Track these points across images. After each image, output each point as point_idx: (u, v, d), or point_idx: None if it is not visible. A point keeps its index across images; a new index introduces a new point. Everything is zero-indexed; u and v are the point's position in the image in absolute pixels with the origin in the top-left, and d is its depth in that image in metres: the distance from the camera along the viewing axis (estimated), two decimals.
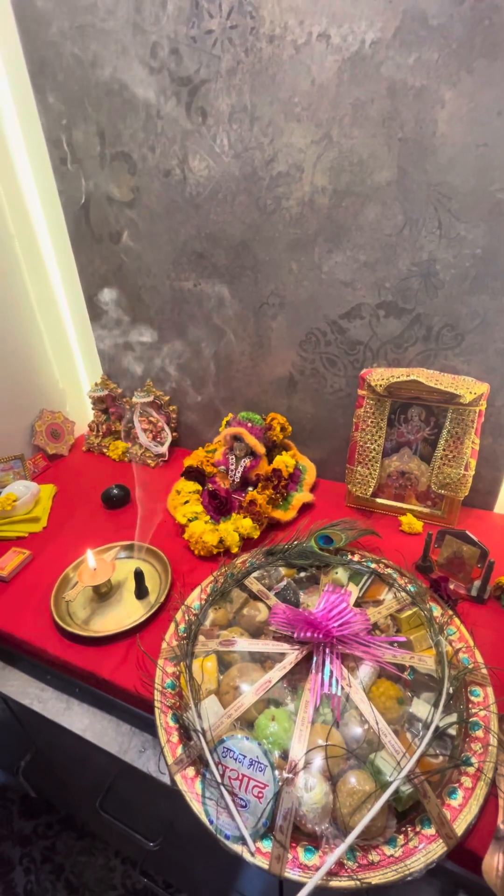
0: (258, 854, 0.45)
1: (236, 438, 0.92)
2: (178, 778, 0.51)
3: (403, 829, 0.46)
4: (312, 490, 0.97)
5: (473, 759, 0.50)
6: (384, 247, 0.76)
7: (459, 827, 0.45)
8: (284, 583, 0.71)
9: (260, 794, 0.47)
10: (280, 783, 0.47)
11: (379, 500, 0.91)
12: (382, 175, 0.71)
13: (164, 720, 0.56)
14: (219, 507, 0.88)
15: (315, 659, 0.58)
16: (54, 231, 1.04)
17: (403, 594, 0.69)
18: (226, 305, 0.93)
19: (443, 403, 0.79)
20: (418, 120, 0.66)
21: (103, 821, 0.71)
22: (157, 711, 0.57)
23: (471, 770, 0.49)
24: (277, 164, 0.76)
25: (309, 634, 0.58)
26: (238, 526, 0.82)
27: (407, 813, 0.47)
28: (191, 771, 0.51)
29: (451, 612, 0.67)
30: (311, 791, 0.46)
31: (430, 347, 0.81)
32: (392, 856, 0.44)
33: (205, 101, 0.76)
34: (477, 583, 0.72)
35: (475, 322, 0.75)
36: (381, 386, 0.80)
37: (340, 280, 0.81)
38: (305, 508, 0.93)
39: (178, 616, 0.68)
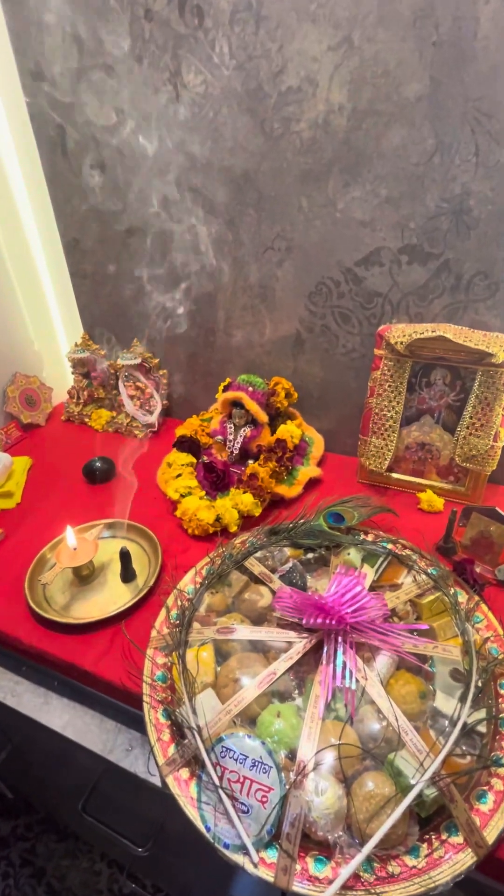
0: (262, 865, 0.43)
1: (235, 404, 0.88)
2: (170, 780, 0.48)
3: (427, 837, 0.44)
4: (319, 464, 0.93)
5: None
6: (410, 178, 0.70)
7: (490, 834, 0.43)
8: (290, 564, 0.68)
9: (264, 799, 0.45)
10: (287, 786, 0.45)
11: (395, 476, 0.88)
12: (411, 88, 0.65)
13: (153, 716, 0.53)
14: (215, 481, 0.84)
15: (326, 648, 0.56)
16: (25, 164, 0.96)
17: (424, 577, 0.66)
18: (224, 250, 0.87)
19: (471, 364, 0.75)
20: (457, 18, 0.59)
21: (87, 824, 0.70)
22: (145, 706, 0.54)
23: (502, 771, 0.47)
24: (287, 76, 0.70)
25: (320, 621, 0.55)
26: (237, 502, 0.79)
27: (431, 819, 0.45)
28: (185, 772, 0.49)
29: (477, 598, 0.64)
30: (322, 795, 0.44)
31: (459, 300, 0.76)
32: (414, 867, 0.42)
33: None
34: None
35: None
36: (401, 344, 0.76)
37: (357, 219, 0.76)
38: (312, 484, 0.89)
39: (170, 601, 0.65)
